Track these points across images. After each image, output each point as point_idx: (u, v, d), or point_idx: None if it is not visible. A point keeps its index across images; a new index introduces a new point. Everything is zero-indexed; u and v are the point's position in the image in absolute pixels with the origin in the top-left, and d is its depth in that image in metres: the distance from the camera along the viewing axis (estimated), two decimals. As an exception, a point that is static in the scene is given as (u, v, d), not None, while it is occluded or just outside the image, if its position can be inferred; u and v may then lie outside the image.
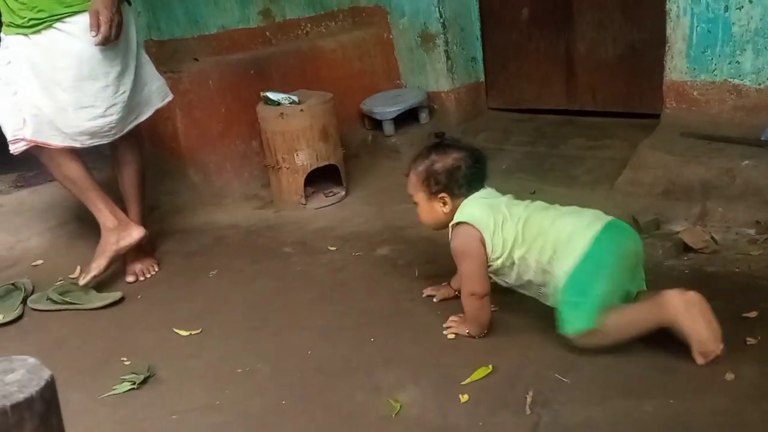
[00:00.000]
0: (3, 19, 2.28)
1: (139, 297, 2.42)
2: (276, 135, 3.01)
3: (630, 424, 1.52)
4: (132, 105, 2.41)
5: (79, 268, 2.51)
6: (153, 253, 2.66)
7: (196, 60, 3.23)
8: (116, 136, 2.42)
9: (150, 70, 2.49)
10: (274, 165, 3.05)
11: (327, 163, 3.06)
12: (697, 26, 2.84)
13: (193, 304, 2.31)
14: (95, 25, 2.19)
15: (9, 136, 2.32)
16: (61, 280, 2.43)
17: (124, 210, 2.57)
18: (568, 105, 3.57)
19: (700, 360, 1.65)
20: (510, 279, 1.87)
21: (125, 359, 2.00)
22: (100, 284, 2.46)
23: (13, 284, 2.46)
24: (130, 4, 2.38)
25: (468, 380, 1.72)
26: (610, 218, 1.80)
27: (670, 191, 2.59)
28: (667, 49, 2.94)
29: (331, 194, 3.12)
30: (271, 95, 3.04)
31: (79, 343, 2.14)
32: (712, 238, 2.30)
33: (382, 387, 1.75)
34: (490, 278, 1.89)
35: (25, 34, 2.24)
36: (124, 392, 1.85)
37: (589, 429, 1.52)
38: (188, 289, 2.44)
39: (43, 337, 2.20)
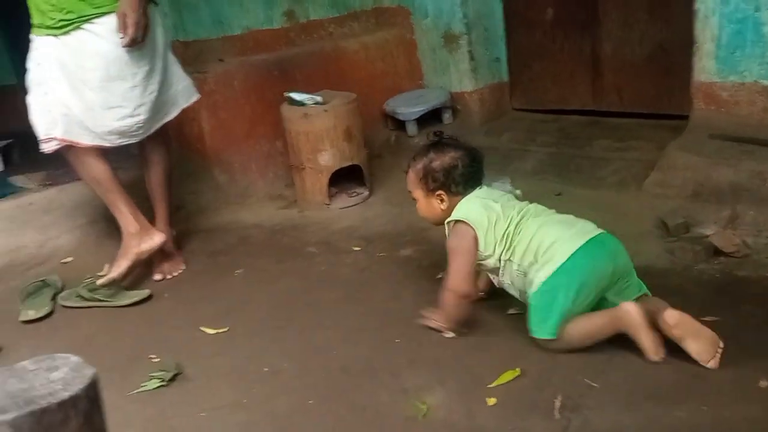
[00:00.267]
0: (33, 21, 2.32)
1: (166, 295, 2.44)
2: (300, 135, 3.02)
3: (662, 431, 1.50)
4: (159, 105, 2.44)
5: (107, 266, 2.54)
6: (180, 252, 2.69)
7: (221, 60, 3.26)
8: (144, 136, 2.45)
9: (177, 70, 2.52)
10: (298, 165, 3.06)
11: (350, 163, 3.06)
12: (726, 27, 2.79)
13: (219, 303, 2.33)
14: (123, 28, 2.22)
15: (41, 135, 2.36)
16: (90, 278, 2.46)
17: (151, 208, 2.59)
18: (594, 105, 3.53)
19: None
20: (503, 279, 1.91)
21: (154, 356, 2.02)
22: (128, 283, 2.48)
23: (43, 281, 2.50)
24: (156, 4, 2.40)
25: (495, 383, 1.71)
26: (596, 233, 1.82)
27: (700, 194, 2.55)
28: (695, 49, 2.89)
29: (355, 194, 3.12)
30: (295, 96, 3.05)
31: (108, 340, 2.17)
32: (743, 241, 2.26)
33: (408, 388, 1.75)
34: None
35: (55, 35, 2.27)
36: (152, 389, 1.87)
37: (619, 434, 1.51)
38: (214, 287, 2.46)
39: (73, 334, 2.23)
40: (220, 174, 3.23)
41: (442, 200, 1.95)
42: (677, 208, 2.52)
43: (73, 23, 2.25)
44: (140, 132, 2.42)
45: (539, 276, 1.77)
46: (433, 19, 3.69)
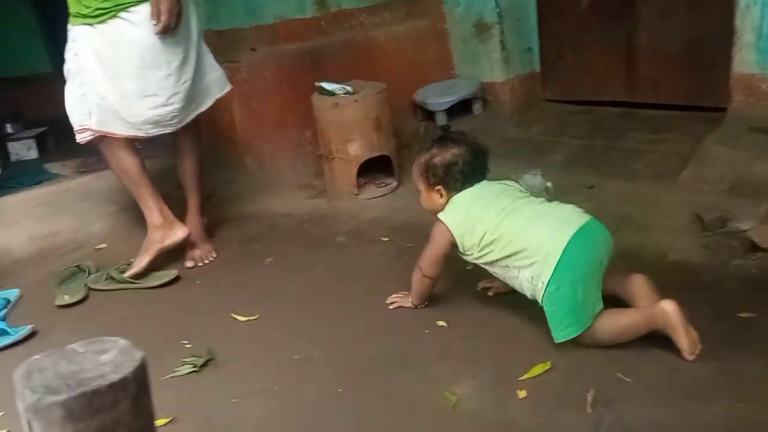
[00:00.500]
0: (70, 10, 2.34)
1: (197, 282, 2.47)
2: (330, 125, 3.02)
3: (698, 428, 1.48)
4: (192, 94, 2.45)
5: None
6: (211, 240, 2.72)
7: (253, 50, 3.27)
8: (178, 126, 2.47)
9: (209, 60, 2.53)
10: (327, 155, 3.07)
11: (380, 153, 3.05)
12: (768, 17, 2.72)
13: (250, 291, 2.35)
14: (156, 14, 2.24)
15: (76, 126, 2.40)
16: (124, 263, 2.51)
17: (183, 197, 2.62)
18: (628, 97, 3.47)
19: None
20: (504, 279, 1.94)
21: (186, 342, 2.05)
22: (158, 265, 2.52)
23: (77, 266, 2.55)
24: (191, -7, 2.42)
25: (526, 376, 1.71)
26: (581, 221, 1.81)
27: (737, 188, 2.50)
28: (735, 40, 2.83)
29: (383, 185, 3.12)
30: (326, 85, 3.05)
31: (141, 325, 2.20)
32: (782, 237, 2.20)
33: (438, 379, 1.75)
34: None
35: (91, 24, 2.30)
36: (185, 374, 1.90)
37: (654, 430, 1.49)
38: (245, 275, 2.49)
39: (107, 319, 2.27)
40: (251, 163, 3.26)
41: (441, 195, 2.00)
42: (713, 203, 2.47)
43: (109, 11, 2.27)
44: (174, 122, 2.44)
45: (541, 278, 1.78)
46: (465, 8, 3.65)
